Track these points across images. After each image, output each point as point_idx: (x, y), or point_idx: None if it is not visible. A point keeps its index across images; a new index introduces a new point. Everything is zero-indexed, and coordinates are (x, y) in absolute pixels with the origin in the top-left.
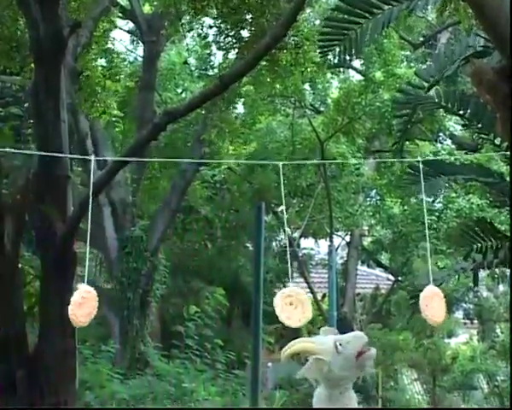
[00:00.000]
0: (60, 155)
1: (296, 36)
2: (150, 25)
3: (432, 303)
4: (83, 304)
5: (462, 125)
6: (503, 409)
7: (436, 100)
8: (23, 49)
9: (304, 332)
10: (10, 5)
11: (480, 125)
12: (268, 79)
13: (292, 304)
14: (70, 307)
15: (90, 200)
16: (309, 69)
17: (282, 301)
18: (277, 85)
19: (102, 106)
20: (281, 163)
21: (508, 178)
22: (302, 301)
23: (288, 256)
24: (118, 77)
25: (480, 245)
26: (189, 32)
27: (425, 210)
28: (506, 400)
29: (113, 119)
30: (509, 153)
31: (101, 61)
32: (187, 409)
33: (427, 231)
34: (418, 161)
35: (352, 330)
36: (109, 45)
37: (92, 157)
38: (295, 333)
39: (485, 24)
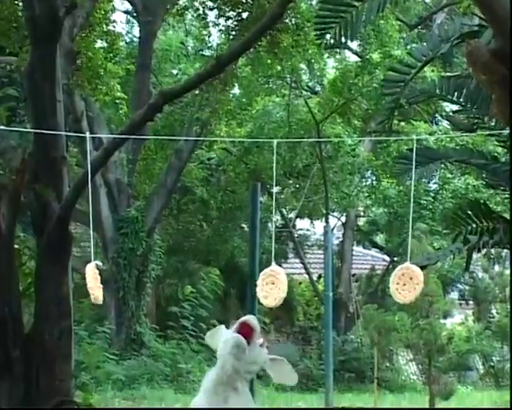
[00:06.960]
0: (55, 132)
1: (297, 18)
2: (146, 5)
3: (402, 281)
4: (97, 282)
5: (455, 112)
6: (503, 409)
7: (428, 88)
8: (22, 29)
9: (300, 313)
10: None
11: (474, 109)
12: (268, 61)
13: (273, 283)
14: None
15: (89, 178)
16: (310, 51)
17: (264, 281)
18: (277, 67)
19: (105, 88)
20: (275, 141)
21: (502, 160)
22: (280, 281)
23: (273, 233)
24: (117, 59)
25: (475, 227)
26: (186, 11)
27: (412, 189)
28: (501, 380)
29: (117, 101)
30: (504, 132)
31: (102, 43)
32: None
33: (411, 206)
34: (412, 139)
35: (347, 310)
36: (110, 27)
37: (87, 134)
38: (289, 314)
39: (482, 4)
